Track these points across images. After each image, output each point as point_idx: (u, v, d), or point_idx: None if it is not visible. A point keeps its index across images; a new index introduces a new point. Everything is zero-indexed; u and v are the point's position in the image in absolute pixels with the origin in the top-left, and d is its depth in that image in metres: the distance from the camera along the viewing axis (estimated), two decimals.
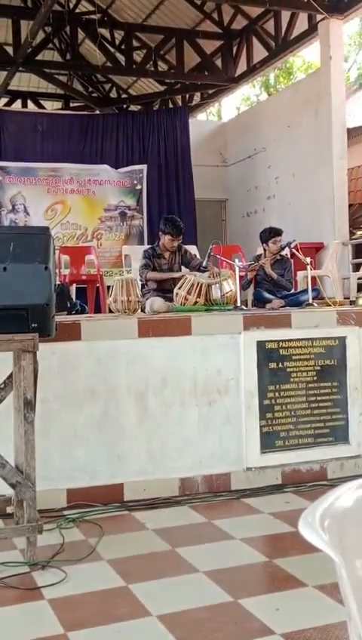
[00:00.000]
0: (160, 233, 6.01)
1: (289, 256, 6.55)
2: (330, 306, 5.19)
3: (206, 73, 11.68)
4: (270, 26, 10.43)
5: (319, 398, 4.22)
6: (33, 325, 3.04)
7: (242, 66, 11.18)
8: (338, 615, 2.35)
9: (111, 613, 2.53)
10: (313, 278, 5.53)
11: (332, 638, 2.28)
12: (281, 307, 5.59)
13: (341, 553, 1.10)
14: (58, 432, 3.76)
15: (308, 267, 5.43)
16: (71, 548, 3.13)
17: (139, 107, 13.23)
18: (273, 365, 4.14)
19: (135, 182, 11.02)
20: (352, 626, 1.12)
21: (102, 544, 3.19)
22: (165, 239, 5.91)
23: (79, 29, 11.47)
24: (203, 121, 13.60)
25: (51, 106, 14.06)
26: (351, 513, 1.20)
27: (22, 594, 2.71)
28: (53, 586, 2.74)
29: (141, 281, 5.91)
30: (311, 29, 9.42)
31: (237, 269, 5.34)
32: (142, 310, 5.38)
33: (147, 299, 5.54)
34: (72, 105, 13.47)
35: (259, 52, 10.76)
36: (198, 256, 6.61)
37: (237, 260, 6.15)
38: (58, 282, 6.96)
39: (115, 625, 2.43)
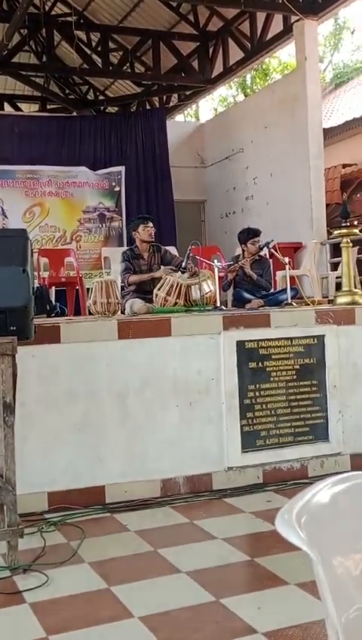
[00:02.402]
0: (133, 234, 6.02)
1: (268, 256, 6.58)
2: (309, 305, 5.22)
3: (182, 74, 11.69)
4: (245, 27, 10.47)
5: (299, 397, 4.25)
6: (12, 328, 3.03)
7: (218, 68, 11.20)
8: (319, 612, 2.36)
9: (94, 615, 2.52)
10: (292, 278, 5.56)
11: (314, 635, 2.30)
12: (260, 307, 5.62)
13: (317, 550, 1.11)
14: (38, 435, 3.74)
15: (287, 267, 5.45)
16: (52, 551, 3.12)
17: (116, 109, 13.22)
18: (253, 365, 4.16)
19: (113, 183, 10.99)
20: (329, 622, 1.14)
21: (83, 547, 3.18)
22: (139, 232, 5.91)
23: (55, 31, 11.43)
24: (180, 123, 13.62)
25: (28, 109, 13.99)
26: (327, 510, 1.21)
27: (3, 598, 2.69)
28: (34, 590, 2.73)
29: (123, 284, 5.91)
30: (286, 30, 9.47)
31: (216, 269, 5.35)
32: (122, 312, 5.37)
33: (127, 300, 5.54)
34: (49, 107, 13.41)
35: (235, 53, 10.80)
36: (177, 254, 6.61)
37: (216, 261, 6.16)
38: (37, 285, 6.93)
39: (97, 627, 2.43)
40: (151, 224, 5.96)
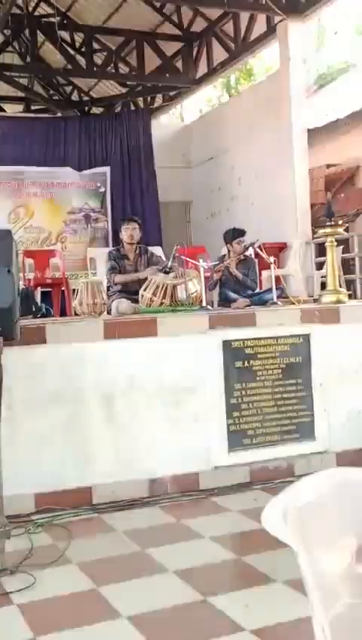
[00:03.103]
0: (119, 234, 6.06)
1: (253, 255, 6.60)
2: (294, 304, 5.24)
3: (167, 75, 11.70)
4: (229, 27, 10.50)
5: (285, 396, 4.26)
6: None
7: (203, 68, 11.23)
8: (306, 609, 2.36)
9: (81, 616, 2.52)
10: (277, 277, 5.58)
11: (301, 632, 2.30)
12: (246, 306, 5.63)
13: (303, 545, 1.12)
14: (25, 436, 3.73)
15: (272, 266, 5.47)
16: (40, 552, 3.11)
17: (101, 109, 13.20)
18: (239, 364, 4.16)
19: (98, 184, 10.99)
20: (315, 618, 1.14)
21: (71, 548, 3.18)
22: (122, 233, 5.96)
23: (39, 32, 11.39)
24: (165, 123, 13.63)
25: (12, 110, 13.94)
26: (312, 506, 1.22)
27: None
28: (22, 591, 2.72)
29: (108, 284, 5.91)
30: (270, 31, 9.50)
31: (202, 269, 5.36)
32: (108, 312, 5.37)
33: (113, 301, 5.54)
34: (33, 108, 13.37)
35: (219, 54, 10.82)
36: (163, 257, 6.62)
37: (201, 261, 6.17)
38: (23, 286, 6.90)
39: (85, 628, 2.43)
40: (132, 225, 5.94)
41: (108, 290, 5.86)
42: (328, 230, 5.05)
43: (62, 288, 8.42)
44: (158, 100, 12.82)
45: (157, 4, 10.73)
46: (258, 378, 4.20)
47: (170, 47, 11.47)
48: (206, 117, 13.35)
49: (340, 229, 5.08)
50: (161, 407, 4.01)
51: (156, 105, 12.84)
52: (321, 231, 5.19)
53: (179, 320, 4.25)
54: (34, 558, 3.04)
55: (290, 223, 9.20)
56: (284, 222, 9.34)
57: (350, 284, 9.11)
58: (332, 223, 5.12)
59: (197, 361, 4.09)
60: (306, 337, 4.34)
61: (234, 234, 6.29)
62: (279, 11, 8.79)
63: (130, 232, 5.92)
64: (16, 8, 10.10)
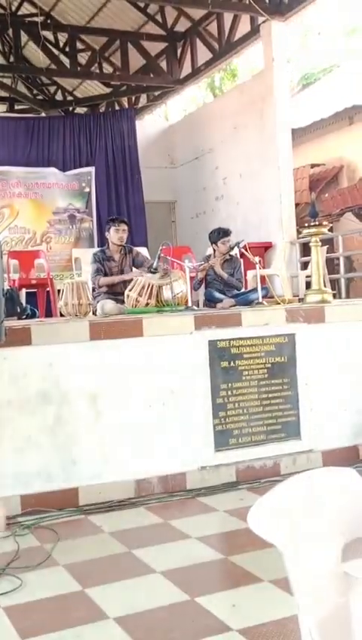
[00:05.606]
0: (105, 234, 6.00)
1: (238, 255, 6.61)
2: (279, 304, 5.26)
3: (151, 75, 11.69)
4: (213, 28, 10.51)
5: (271, 395, 4.28)
6: None
7: (187, 68, 11.22)
8: (293, 608, 2.37)
9: (69, 618, 2.52)
10: (262, 277, 5.59)
11: (288, 631, 2.32)
12: (232, 306, 5.64)
13: (289, 545, 1.13)
14: (11, 438, 3.72)
15: (257, 266, 5.49)
16: (26, 554, 3.10)
17: (85, 109, 13.17)
18: (225, 364, 4.18)
19: (83, 184, 10.96)
20: (301, 617, 1.15)
21: (57, 549, 3.17)
22: (110, 234, 5.89)
23: (22, 32, 11.34)
24: (150, 123, 13.61)
25: None
26: (298, 505, 1.23)
27: None
28: (8, 594, 2.71)
29: (93, 286, 5.88)
30: (254, 31, 9.53)
31: (187, 269, 5.36)
32: (94, 313, 5.36)
33: (98, 301, 5.52)
34: (17, 107, 13.31)
35: (203, 54, 10.83)
36: (149, 257, 6.61)
37: (187, 261, 6.17)
38: (7, 287, 6.87)
39: (72, 630, 2.43)
40: (123, 227, 5.86)
41: (93, 291, 5.84)
42: (312, 230, 5.07)
43: (48, 289, 8.39)
44: (143, 99, 12.81)
45: (141, 4, 10.72)
46: (244, 378, 4.22)
47: (154, 47, 11.45)
48: (190, 117, 13.36)
49: (324, 229, 5.10)
50: (148, 407, 4.01)
51: (140, 105, 12.83)
52: (306, 231, 5.21)
53: (165, 320, 4.25)
54: (20, 560, 3.03)
55: (275, 222, 9.22)
56: (269, 222, 9.36)
57: (334, 284, 9.17)
58: (317, 222, 5.14)
59: (183, 362, 4.09)
60: (291, 337, 4.36)
61: (219, 234, 6.30)
62: (262, 12, 8.80)
63: (120, 234, 5.85)
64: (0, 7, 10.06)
